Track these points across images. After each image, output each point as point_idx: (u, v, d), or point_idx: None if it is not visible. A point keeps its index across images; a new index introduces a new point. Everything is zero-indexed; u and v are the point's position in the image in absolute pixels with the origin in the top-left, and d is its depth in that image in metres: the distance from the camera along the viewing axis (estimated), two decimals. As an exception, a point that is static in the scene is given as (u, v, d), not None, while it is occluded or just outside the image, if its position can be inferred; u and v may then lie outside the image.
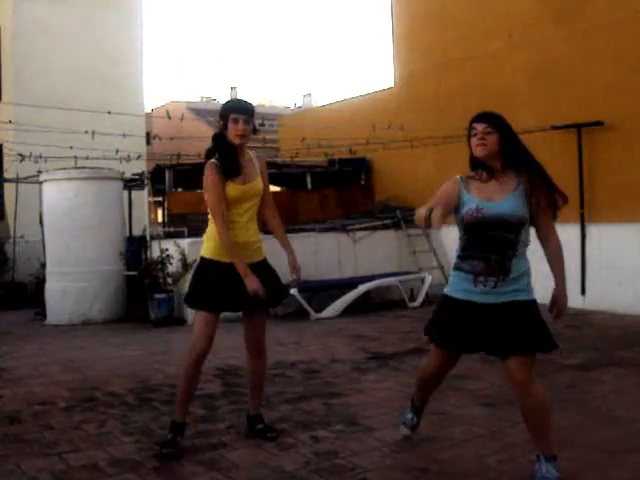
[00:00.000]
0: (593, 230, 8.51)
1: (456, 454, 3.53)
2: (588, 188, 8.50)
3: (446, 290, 3.27)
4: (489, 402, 4.44)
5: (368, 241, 10.18)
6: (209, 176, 3.61)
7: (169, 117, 9.21)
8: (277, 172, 11.72)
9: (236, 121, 3.59)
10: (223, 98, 46.03)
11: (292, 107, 41.54)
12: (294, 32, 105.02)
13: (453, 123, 9.09)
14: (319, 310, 8.84)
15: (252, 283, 3.55)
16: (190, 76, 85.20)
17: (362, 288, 9.11)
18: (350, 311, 8.84)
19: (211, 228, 3.70)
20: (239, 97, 3.81)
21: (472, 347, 3.21)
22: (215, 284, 3.65)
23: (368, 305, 9.15)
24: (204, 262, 3.73)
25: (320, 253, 9.74)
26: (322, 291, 9.31)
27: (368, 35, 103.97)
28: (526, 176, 3.17)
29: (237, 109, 3.64)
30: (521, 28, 9.38)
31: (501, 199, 3.08)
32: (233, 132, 3.61)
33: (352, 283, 9.30)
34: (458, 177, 3.21)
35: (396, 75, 11.68)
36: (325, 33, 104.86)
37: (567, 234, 8.59)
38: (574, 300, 8.59)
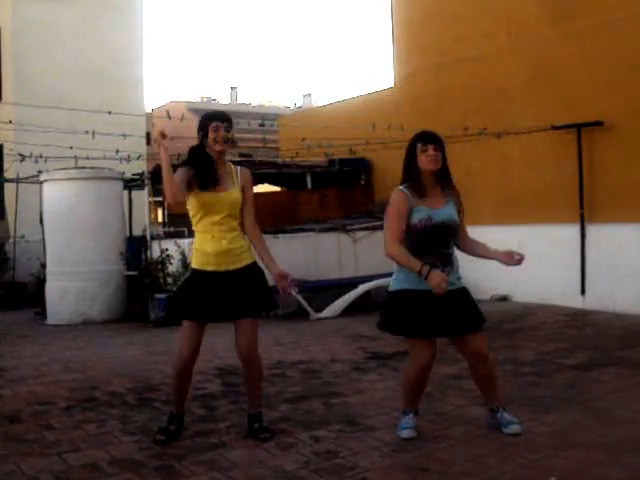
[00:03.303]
0: (593, 230, 8.51)
1: (456, 454, 3.53)
2: (588, 188, 8.49)
3: (402, 285, 3.67)
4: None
5: (368, 241, 10.17)
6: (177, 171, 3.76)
7: (169, 117, 9.21)
8: (277, 172, 11.72)
9: (217, 129, 3.73)
10: (223, 98, 46.08)
11: (292, 107, 41.56)
12: (294, 32, 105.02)
13: (453, 123, 9.10)
14: (319, 310, 8.84)
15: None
16: (190, 76, 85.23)
17: (362, 288, 9.11)
18: (350, 311, 8.84)
19: (194, 240, 3.85)
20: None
21: (444, 332, 3.68)
22: (199, 293, 3.73)
23: (368, 305, 9.14)
24: (192, 273, 3.86)
25: (320, 253, 9.74)
26: (322, 291, 9.30)
27: (368, 35, 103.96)
28: (451, 190, 3.76)
29: (217, 117, 3.79)
30: (521, 28, 9.37)
31: (442, 206, 3.67)
32: (213, 139, 3.72)
33: (352, 283, 9.29)
34: (403, 189, 3.67)
35: (396, 75, 11.67)
36: (325, 33, 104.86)
37: (567, 234, 8.73)
38: (574, 300, 8.61)
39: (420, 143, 3.68)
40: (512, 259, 3.71)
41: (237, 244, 3.80)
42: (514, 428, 3.74)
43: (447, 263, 3.66)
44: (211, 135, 3.72)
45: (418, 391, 3.86)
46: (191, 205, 3.78)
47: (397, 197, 3.67)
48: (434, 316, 3.60)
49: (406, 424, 3.80)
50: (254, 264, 3.87)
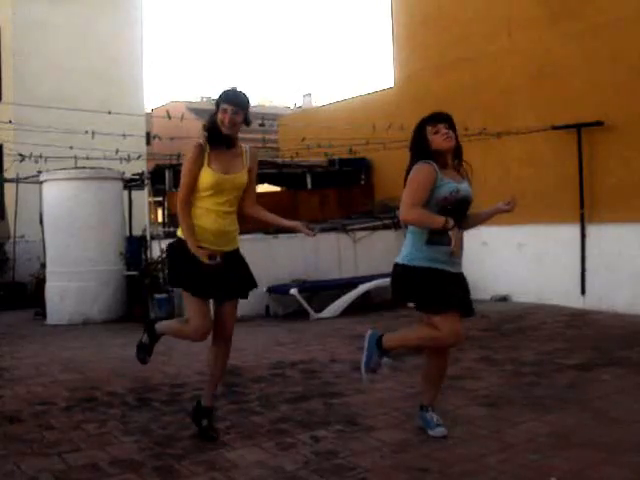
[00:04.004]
0: (593, 230, 8.51)
1: (456, 454, 3.53)
2: (588, 188, 8.50)
3: (422, 263, 3.55)
4: (489, 402, 4.44)
5: (368, 241, 10.17)
6: (189, 152, 3.74)
7: (169, 117, 9.19)
8: (277, 172, 11.71)
9: (225, 111, 3.69)
10: (223, 98, 45.89)
11: (292, 107, 41.57)
12: (294, 32, 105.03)
13: (453, 123, 9.10)
14: (319, 310, 8.84)
15: (204, 255, 3.63)
16: (190, 76, 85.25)
17: (362, 288, 9.11)
18: (350, 311, 8.84)
19: (194, 211, 3.75)
20: (238, 89, 3.88)
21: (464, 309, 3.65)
22: (192, 267, 3.67)
23: (368, 305, 9.15)
24: (179, 242, 3.78)
25: (320, 253, 9.74)
26: (322, 291, 9.31)
27: (368, 35, 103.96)
28: (463, 170, 3.75)
29: (227, 99, 3.72)
30: (521, 28, 9.38)
31: (462, 182, 3.64)
32: (220, 121, 3.69)
33: (352, 283, 9.30)
34: (431, 163, 3.56)
35: (396, 75, 11.68)
36: (325, 33, 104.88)
37: (567, 234, 8.73)
38: (574, 300, 8.61)
39: (430, 125, 3.59)
40: (508, 205, 3.72)
41: (233, 227, 3.83)
42: (441, 431, 3.73)
43: (461, 245, 3.63)
44: (219, 116, 3.70)
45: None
46: (201, 181, 3.69)
47: (425, 169, 3.53)
48: (457, 292, 3.59)
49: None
50: (238, 249, 3.90)
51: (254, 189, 3.97)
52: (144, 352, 4.28)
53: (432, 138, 3.57)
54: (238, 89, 3.86)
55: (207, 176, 3.69)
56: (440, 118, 3.60)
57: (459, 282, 3.66)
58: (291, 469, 3.38)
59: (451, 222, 3.42)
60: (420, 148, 3.61)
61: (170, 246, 3.95)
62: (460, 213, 3.61)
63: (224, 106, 3.69)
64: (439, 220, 3.44)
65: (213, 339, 3.89)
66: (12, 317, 10.11)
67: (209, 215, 3.72)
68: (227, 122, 3.68)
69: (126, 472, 3.41)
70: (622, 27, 8.16)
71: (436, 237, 3.52)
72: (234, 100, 3.73)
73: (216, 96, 3.82)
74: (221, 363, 3.92)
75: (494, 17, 9.72)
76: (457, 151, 3.68)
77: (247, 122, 3.78)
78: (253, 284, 3.95)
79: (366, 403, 4.53)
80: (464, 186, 3.63)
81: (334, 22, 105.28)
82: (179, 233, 3.81)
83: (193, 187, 3.71)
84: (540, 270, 9.07)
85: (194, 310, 3.75)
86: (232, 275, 3.79)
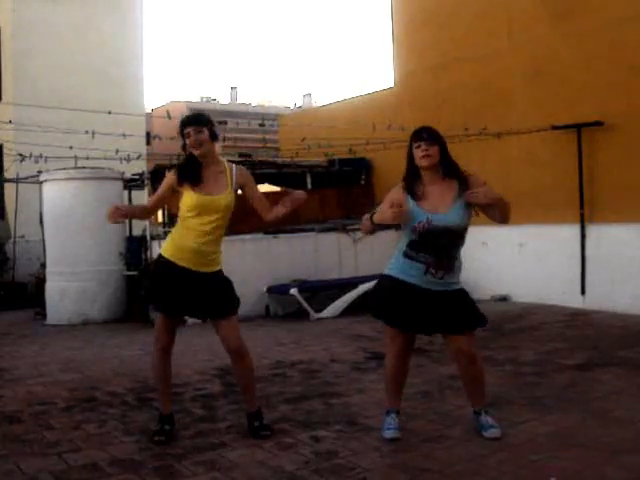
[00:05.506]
0: (593, 230, 8.51)
1: (456, 454, 3.53)
2: (588, 188, 8.50)
3: (393, 272, 3.69)
4: (489, 402, 4.43)
5: (368, 241, 10.16)
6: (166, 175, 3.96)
7: (169, 117, 9.20)
8: (277, 172, 11.71)
9: (188, 135, 3.79)
10: (223, 98, 46.13)
11: (292, 107, 41.60)
12: (294, 32, 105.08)
13: (453, 123, 9.10)
14: (319, 310, 8.84)
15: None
16: (190, 76, 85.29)
17: (362, 288, 9.10)
18: (350, 311, 8.84)
19: (174, 230, 3.95)
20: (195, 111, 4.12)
21: (422, 329, 3.72)
22: (167, 287, 3.81)
23: (368, 305, 9.14)
24: (160, 259, 3.92)
25: (320, 253, 9.74)
26: (322, 291, 9.31)
27: (368, 35, 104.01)
28: (464, 184, 3.63)
29: (185, 123, 3.84)
30: (521, 28, 9.38)
31: (447, 210, 3.56)
32: (189, 146, 3.81)
33: (352, 283, 9.30)
34: (403, 189, 3.66)
35: (396, 75, 11.67)
36: (325, 33, 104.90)
37: (567, 234, 8.74)
38: (574, 300, 8.61)
39: (413, 141, 3.63)
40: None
41: (212, 248, 3.86)
42: (493, 432, 3.73)
43: (445, 268, 3.60)
44: (187, 142, 3.81)
45: (396, 384, 3.85)
46: (184, 203, 3.82)
47: (395, 192, 3.69)
48: (415, 311, 3.61)
49: (389, 425, 3.79)
50: (221, 271, 3.93)
51: (262, 199, 3.96)
52: (163, 435, 3.92)
53: (415, 154, 3.63)
54: (193, 112, 4.02)
55: (189, 198, 3.79)
56: (421, 136, 3.60)
57: (429, 300, 3.60)
58: (291, 469, 3.39)
59: (369, 218, 3.60)
60: (408, 162, 3.70)
61: (154, 263, 4.14)
62: (441, 244, 3.55)
63: (186, 130, 3.79)
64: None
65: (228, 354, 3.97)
66: (12, 317, 10.11)
67: (189, 234, 3.79)
68: (193, 143, 3.77)
69: (126, 472, 3.42)
70: (622, 27, 8.16)
71: (412, 252, 3.63)
72: (192, 121, 3.84)
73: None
74: (243, 378, 3.95)
75: (494, 17, 9.72)
76: (447, 168, 3.63)
77: (213, 136, 3.85)
78: (231, 306, 3.89)
79: (366, 403, 4.54)
80: (443, 216, 3.54)
81: (334, 22, 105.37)
82: (162, 251, 3.92)
83: (159, 202, 4.08)
84: (540, 270, 9.07)
85: (157, 323, 3.96)
86: (207, 297, 3.81)
